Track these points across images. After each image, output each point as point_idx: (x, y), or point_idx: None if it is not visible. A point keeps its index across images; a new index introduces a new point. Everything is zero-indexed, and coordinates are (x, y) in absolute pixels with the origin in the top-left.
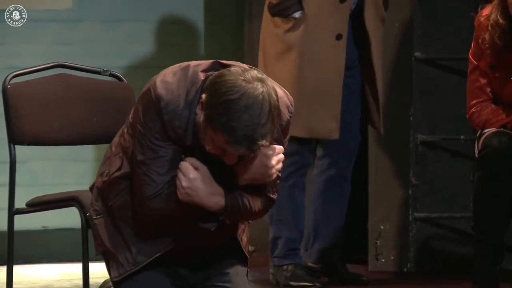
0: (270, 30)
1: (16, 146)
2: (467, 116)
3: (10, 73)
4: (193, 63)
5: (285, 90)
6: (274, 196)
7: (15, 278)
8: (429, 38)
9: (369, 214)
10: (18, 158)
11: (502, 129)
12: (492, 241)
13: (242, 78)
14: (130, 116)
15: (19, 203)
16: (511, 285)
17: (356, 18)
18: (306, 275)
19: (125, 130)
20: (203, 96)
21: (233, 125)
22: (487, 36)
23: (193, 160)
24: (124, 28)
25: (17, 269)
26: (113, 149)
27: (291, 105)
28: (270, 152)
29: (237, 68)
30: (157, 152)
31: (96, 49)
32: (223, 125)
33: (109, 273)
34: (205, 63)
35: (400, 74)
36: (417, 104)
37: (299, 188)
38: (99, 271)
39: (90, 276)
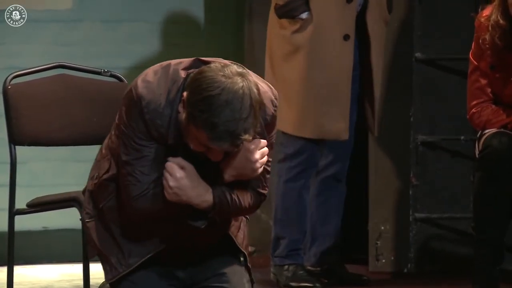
0: (277, 32)
1: (17, 147)
2: (468, 116)
3: (11, 74)
4: (174, 61)
5: (270, 85)
6: (264, 191)
7: (15, 279)
8: (429, 38)
9: (369, 214)
10: (18, 159)
11: (502, 130)
12: (492, 242)
13: (222, 73)
14: (116, 118)
15: (20, 204)
16: (511, 285)
17: (359, 20)
18: (306, 276)
19: (113, 132)
20: (185, 94)
21: (214, 121)
22: (487, 37)
23: (179, 160)
24: (124, 28)
25: (18, 269)
26: (103, 151)
27: (276, 99)
28: (253, 146)
29: (216, 64)
30: (141, 152)
31: (96, 50)
32: (204, 122)
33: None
34: (186, 61)
35: (400, 74)
36: (417, 105)
37: (306, 189)
38: (99, 271)
39: (91, 276)
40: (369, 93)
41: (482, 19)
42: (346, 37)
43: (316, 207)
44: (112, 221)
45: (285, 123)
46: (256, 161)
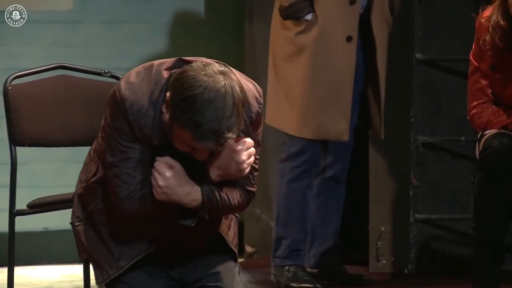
0: (280, 33)
1: (17, 147)
2: (468, 117)
3: (11, 75)
4: (157, 62)
5: (254, 83)
6: (253, 189)
7: (16, 280)
8: (430, 39)
9: (369, 215)
10: (19, 159)
11: (503, 131)
12: (492, 242)
13: (204, 72)
14: (102, 120)
15: (20, 205)
16: (511, 286)
17: (364, 22)
18: (307, 276)
19: (99, 135)
20: (168, 94)
21: (197, 120)
22: (488, 38)
23: (167, 159)
24: (125, 29)
25: (18, 270)
26: (91, 154)
27: (260, 96)
28: (239, 147)
29: (198, 64)
30: (126, 154)
31: (96, 50)
32: (188, 121)
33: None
34: (169, 61)
35: (400, 75)
36: (417, 105)
37: (309, 189)
38: None
39: (91, 277)
40: (375, 96)
41: (483, 20)
42: (349, 39)
43: (316, 208)
44: (101, 224)
45: (287, 124)
46: (243, 162)
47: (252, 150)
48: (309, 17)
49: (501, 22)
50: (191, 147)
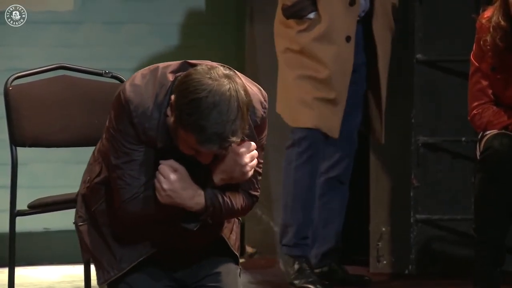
0: (281, 31)
1: (18, 148)
2: (469, 118)
3: (12, 75)
4: (162, 64)
5: (259, 87)
6: (256, 193)
7: (16, 280)
8: (430, 40)
9: (370, 216)
10: (19, 160)
11: (503, 131)
12: (493, 243)
13: (208, 76)
14: (107, 122)
15: (21, 205)
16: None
17: (366, 25)
18: (311, 274)
19: (104, 136)
20: (172, 97)
21: (202, 124)
22: (488, 38)
23: (172, 162)
24: (126, 30)
25: (19, 271)
26: (95, 154)
27: (265, 100)
28: (242, 150)
29: (203, 67)
30: (130, 156)
31: (97, 51)
32: (192, 125)
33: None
34: (174, 64)
35: (401, 76)
36: (418, 106)
37: (315, 176)
38: None
39: (92, 278)
40: (376, 101)
41: (483, 21)
42: (348, 39)
43: (319, 208)
44: (104, 225)
45: (285, 115)
46: (246, 164)
47: (255, 153)
48: (311, 15)
49: (502, 22)
50: (195, 150)
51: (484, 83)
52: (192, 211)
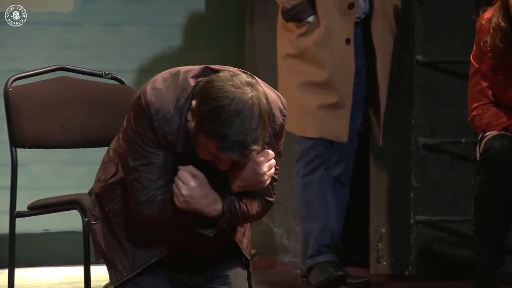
0: (282, 34)
1: (18, 149)
2: (469, 119)
3: (12, 76)
4: (183, 68)
5: (278, 93)
6: (271, 199)
7: (16, 281)
8: (430, 41)
9: (370, 217)
10: (19, 161)
11: (503, 132)
12: (493, 244)
13: (231, 83)
14: (124, 122)
15: (21, 206)
16: None
17: (365, 27)
18: (332, 267)
19: (120, 136)
20: (193, 102)
21: (224, 132)
22: (488, 39)
23: (191, 168)
24: (126, 31)
25: (19, 272)
26: (110, 154)
27: (284, 108)
28: (261, 158)
29: (226, 73)
30: (148, 159)
31: (97, 52)
32: (214, 132)
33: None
34: (195, 68)
35: (401, 77)
36: (418, 107)
37: (327, 182)
38: (100, 274)
39: (92, 279)
40: (374, 103)
41: (483, 22)
42: (347, 41)
43: None
44: (117, 225)
45: (291, 123)
46: (264, 173)
47: (273, 161)
48: (311, 19)
49: (502, 23)
50: (215, 157)
51: (484, 84)
52: (209, 217)
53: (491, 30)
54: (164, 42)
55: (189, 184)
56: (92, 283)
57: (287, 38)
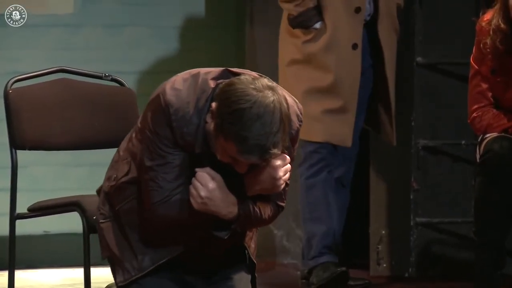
0: (287, 39)
1: (18, 151)
2: (469, 121)
3: (12, 78)
4: (203, 70)
5: (295, 99)
6: (283, 204)
7: (16, 283)
8: (430, 43)
9: (370, 219)
10: (19, 163)
11: (503, 134)
12: (493, 246)
13: (253, 86)
14: (139, 122)
15: (21, 208)
16: None
17: (371, 29)
18: (334, 266)
19: (134, 135)
20: (213, 104)
21: (245, 134)
22: (488, 41)
23: (209, 170)
24: (126, 32)
25: (19, 274)
26: (121, 153)
27: (301, 113)
28: (278, 162)
29: (247, 77)
30: (165, 158)
31: (97, 54)
32: (234, 135)
33: (114, 278)
34: (215, 70)
35: (401, 79)
36: (418, 109)
37: (330, 185)
38: (101, 276)
39: (92, 281)
40: (385, 103)
41: (483, 23)
42: (354, 46)
43: None
44: (127, 224)
45: None
46: (280, 178)
47: (289, 166)
48: (318, 25)
49: (502, 25)
50: (233, 159)
51: (484, 86)
52: (223, 219)
53: (491, 32)
54: (164, 44)
55: (208, 185)
56: (92, 285)
57: (292, 43)
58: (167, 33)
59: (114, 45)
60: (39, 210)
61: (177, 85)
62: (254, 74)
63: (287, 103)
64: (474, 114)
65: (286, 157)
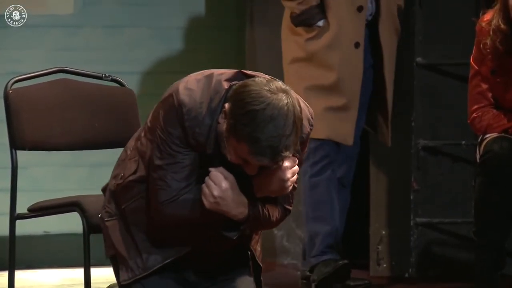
0: (289, 37)
1: (18, 151)
2: (469, 121)
3: (12, 78)
4: (216, 71)
5: (306, 103)
6: (290, 207)
7: (16, 283)
8: (431, 43)
9: (370, 219)
10: (19, 163)
11: (503, 134)
12: (493, 246)
13: (267, 88)
14: (149, 121)
15: (21, 208)
16: None
17: (372, 29)
18: (335, 263)
19: (142, 134)
20: (226, 105)
21: (257, 136)
22: (488, 41)
23: (222, 170)
24: (126, 33)
25: (19, 274)
26: (129, 152)
27: (312, 118)
28: (287, 164)
29: (261, 79)
30: (175, 158)
31: (97, 55)
32: (247, 136)
33: (117, 277)
34: (229, 72)
35: (401, 79)
36: (418, 110)
37: (334, 184)
38: (100, 276)
39: (92, 281)
40: (382, 103)
41: (483, 24)
42: (356, 45)
43: None
44: (133, 223)
45: None
46: (288, 180)
47: (297, 168)
48: (321, 23)
49: (502, 25)
50: (244, 160)
51: (484, 86)
52: (232, 220)
53: (491, 32)
54: (165, 44)
55: (221, 185)
56: (92, 285)
57: (294, 41)
58: (167, 34)
59: (114, 45)
60: (39, 210)
61: (190, 85)
62: (268, 77)
63: (300, 107)
64: (474, 115)
65: (295, 159)
